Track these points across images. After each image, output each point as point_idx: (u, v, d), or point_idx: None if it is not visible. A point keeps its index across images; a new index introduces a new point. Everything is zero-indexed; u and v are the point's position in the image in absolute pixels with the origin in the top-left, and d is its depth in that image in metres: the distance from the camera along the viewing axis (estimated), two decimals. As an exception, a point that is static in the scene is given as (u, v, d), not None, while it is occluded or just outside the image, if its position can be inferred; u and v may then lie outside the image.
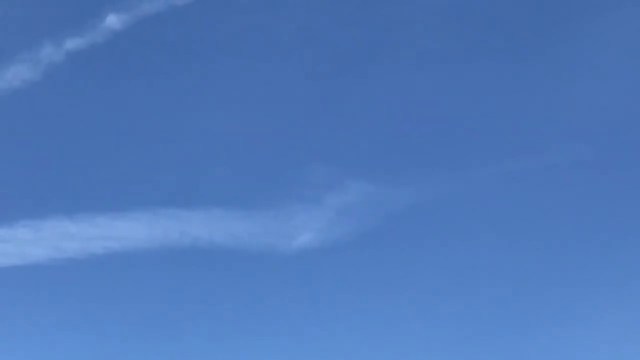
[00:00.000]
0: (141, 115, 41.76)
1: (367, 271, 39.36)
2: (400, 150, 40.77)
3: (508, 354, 37.28)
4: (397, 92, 40.81)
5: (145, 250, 39.35)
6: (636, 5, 40.24)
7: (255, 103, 41.34)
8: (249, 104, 41.36)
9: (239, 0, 41.39)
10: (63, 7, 41.74)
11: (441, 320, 38.28)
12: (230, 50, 41.35)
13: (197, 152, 41.33)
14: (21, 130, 41.65)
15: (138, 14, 40.10)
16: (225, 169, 40.94)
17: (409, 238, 39.77)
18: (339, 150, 40.75)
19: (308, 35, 41.14)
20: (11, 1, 41.98)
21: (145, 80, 41.65)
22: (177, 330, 39.11)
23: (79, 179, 41.25)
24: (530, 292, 38.51)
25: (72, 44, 40.13)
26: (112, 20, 40.16)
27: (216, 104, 41.44)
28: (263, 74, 41.22)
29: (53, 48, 40.14)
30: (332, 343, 38.17)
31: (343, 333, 38.42)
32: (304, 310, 39.12)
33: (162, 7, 40.08)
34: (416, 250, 39.64)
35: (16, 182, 41.07)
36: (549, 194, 39.86)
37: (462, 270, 39.08)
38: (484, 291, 38.69)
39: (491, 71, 40.76)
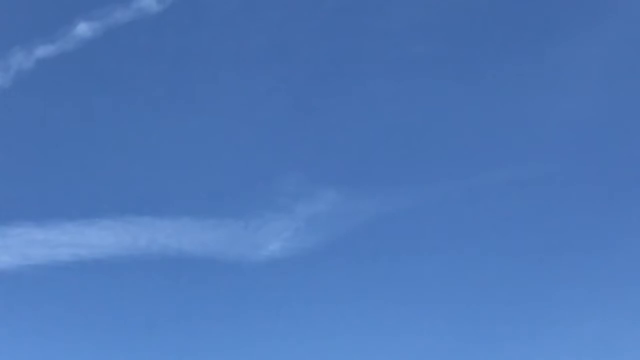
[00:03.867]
0: (110, 123, 41.88)
1: (337, 280, 39.51)
2: (371, 160, 41.04)
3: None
4: (367, 103, 41.15)
5: (114, 258, 39.37)
6: (610, 24, 40.80)
7: (225, 112, 41.54)
8: (218, 113, 41.55)
9: (212, 9, 41.64)
10: (34, 15, 41.79)
11: (408, 330, 38.52)
12: (202, 60, 41.51)
13: (167, 160, 41.45)
14: (-11, 136, 41.56)
15: (109, 23, 40.24)
16: (195, 177, 41.05)
17: (377, 248, 39.94)
18: (309, 160, 41.01)
19: (278, 44, 41.39)
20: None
21: (116, 88, 41.71)
22: (145, 338, 39.04)
23: (47, 185, 41.20)
24: (497, 305, 38.94)
25: (43, 51, 40.19)
26: (83, 29, 40.28)
27: (185, 113, 41.61)
28: (233, 84, 41.42)
29: (23, 55, 40.18)
30: (301, 352, 38.34)
31: (311, 342, 38.51)
32: (273, 319, 39.14)
33: (133, 15, 40.24)
34: (384, 261, 39.80)
35: (-17, 189, 40.94)
36: (516, 209, 40.18)
37: (430, 280, 39.38)
38: (453, 301, 39.03)
39: (462, 86, 41.12)
